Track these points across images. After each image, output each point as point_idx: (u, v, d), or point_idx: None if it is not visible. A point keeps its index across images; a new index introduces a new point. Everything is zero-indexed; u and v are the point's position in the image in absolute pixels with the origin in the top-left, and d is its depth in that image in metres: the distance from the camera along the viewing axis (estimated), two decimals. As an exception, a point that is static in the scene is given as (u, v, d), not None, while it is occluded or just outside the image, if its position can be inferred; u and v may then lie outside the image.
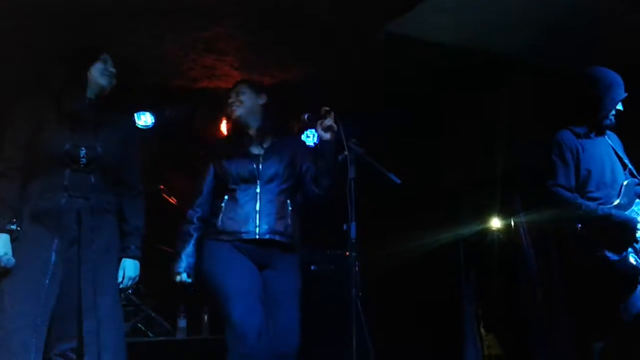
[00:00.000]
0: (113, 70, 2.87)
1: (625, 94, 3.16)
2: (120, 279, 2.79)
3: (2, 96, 3.62)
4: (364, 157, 2.69)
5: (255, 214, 2.90)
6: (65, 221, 2.64)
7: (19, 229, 2.61)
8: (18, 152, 2.70)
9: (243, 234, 2.89)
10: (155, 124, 4.86)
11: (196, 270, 2.95)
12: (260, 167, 2.99)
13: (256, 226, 2.89)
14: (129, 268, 2.82)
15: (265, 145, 3.10)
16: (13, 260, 2.56)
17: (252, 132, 3.12)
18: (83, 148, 2.69)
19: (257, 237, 2.88)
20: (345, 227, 2.58)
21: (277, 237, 2.92)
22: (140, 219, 2.90)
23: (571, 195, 3.11)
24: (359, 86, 4.69)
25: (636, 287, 3.02)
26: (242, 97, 3.14)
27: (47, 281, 2.56)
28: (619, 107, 3.19)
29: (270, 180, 2.98)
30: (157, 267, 3.36)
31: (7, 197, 2.64)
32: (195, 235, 2.98)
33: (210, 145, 3.21)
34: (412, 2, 3.61)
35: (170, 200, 5.15)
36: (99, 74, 2.82)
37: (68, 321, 2.59)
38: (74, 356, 2.60)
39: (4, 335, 2.49)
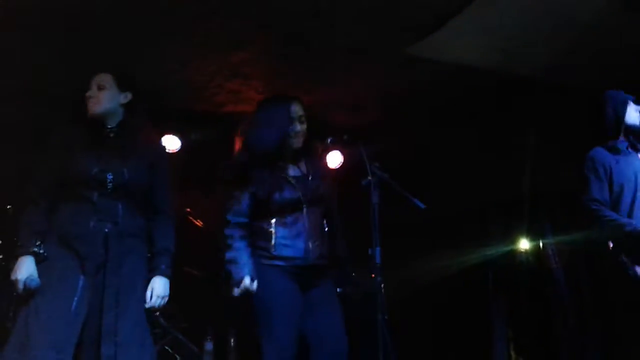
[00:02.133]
0: (93, 93, 2.80)
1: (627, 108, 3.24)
2: (149, 298, 2.76)
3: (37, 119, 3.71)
4: (388, 182, 2.69)
5: (307, 240, 2.91)
6: (93, 245, 2.66)
7: (44, 252, 2.63)
8: (48, 179, 2.75)
9: (298, 260, 2.89)
10: (181, 148, 4.92)
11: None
12: (303, 191, 2.96)
13: (310, 253, 2.90)
14: (159, 286, 2.79)
15: (300, 167, 3.05)
16: (38, 282, 2.57)
17: (290, 155, 3.06)
18: (110, 173, 2.72)
19: (312, 262, 2.91)
20: (370, 251, 2.57)
21: (324, 261, 2.97)
22: (169, 241, 2.88)
23: (606, 211, 3.08)
24: (383, 108, 4.71)
25: None
26: (305, 125, 3.04)
27: (74, 305, 2.56)
28: (632, 123, 3.22)
29: (313, 204, 2.98)
30: (184, 289, 3.37)
31: (34, 221, 2.67)
32: (246, 242, 2.89)
33: (244, 162, 3.01)
34: (434, 25, 3.63)
35: (197, 224, 5.19)
36: (89, 102, 2.83)
37: (90, 347, 2.58)
38: None
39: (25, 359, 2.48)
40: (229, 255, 2.87)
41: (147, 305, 2.76)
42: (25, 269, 2.58)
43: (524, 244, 5.58)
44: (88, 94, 2.83)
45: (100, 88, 2.83)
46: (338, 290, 4.41)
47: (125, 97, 2.87)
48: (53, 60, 3.89)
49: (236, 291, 2.80)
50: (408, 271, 4.92)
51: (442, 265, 5.29)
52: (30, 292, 2.58)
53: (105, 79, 2.86)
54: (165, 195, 2.94)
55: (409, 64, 4.05)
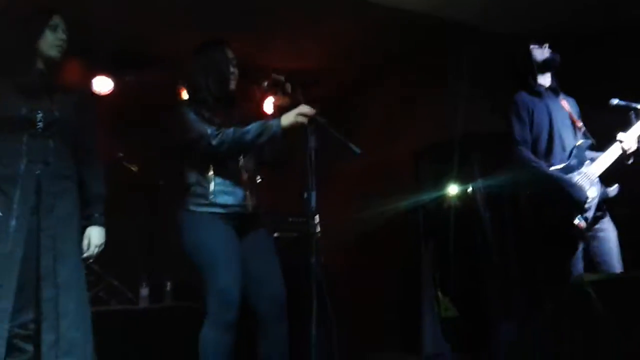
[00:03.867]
0: (64, 37, 2.78)
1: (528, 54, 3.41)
2: (86, 248, 2.77)
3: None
4: (325, 126, 2.71)
5: (246, 188, 2.91)
6: (24, 188, 2.61)
7: None
8: None
9: (237, 208, 2.89)
10: (114, 90, 4.79)
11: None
12: None
13: (248, 201, 2.91)
14: (95, 236, 2.80)
15: (233, 114, 3.00)
16: None
17: (226, 101, 3.02)
18: (40, 112, 2.67)
19: (250, 211, 2.92)
20: (305, 195, 2.61)
21: (259, 210, 2.98)
22: (101, 185, 2.88)
23: (529, 156, 3.26)
24: (321, 48, 4.70)
25: (577, 248, 3.18)
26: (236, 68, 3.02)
27: (7, 249, 2.53)
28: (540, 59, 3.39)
29: (249, 153, 2.98)
30: (118, 235, 3.35)
31: None
32: None
33: (184, 103, 3.00)
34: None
35: (131, 168, 5.11)
36: (47, 46, 2.76)
37: (27, 291, 2.57)
38: (33, 326, 2.58)
39: None
40: (247, 138, 2.79)
41: (84, 255, 2.77)
42: None
43: (453, 189, 5.74)
44: (62, 37, 2.76)
45: (65, 33, 2.78)
46: (275, 235, 4.52)
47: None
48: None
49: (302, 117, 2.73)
50: (341, 216, 5.00)
51: (374, 211, 5.40)
52: None
53: (63, 22, 2.80)
54: (93, 137, 2.91)
55: (348, 9, 4.04)
